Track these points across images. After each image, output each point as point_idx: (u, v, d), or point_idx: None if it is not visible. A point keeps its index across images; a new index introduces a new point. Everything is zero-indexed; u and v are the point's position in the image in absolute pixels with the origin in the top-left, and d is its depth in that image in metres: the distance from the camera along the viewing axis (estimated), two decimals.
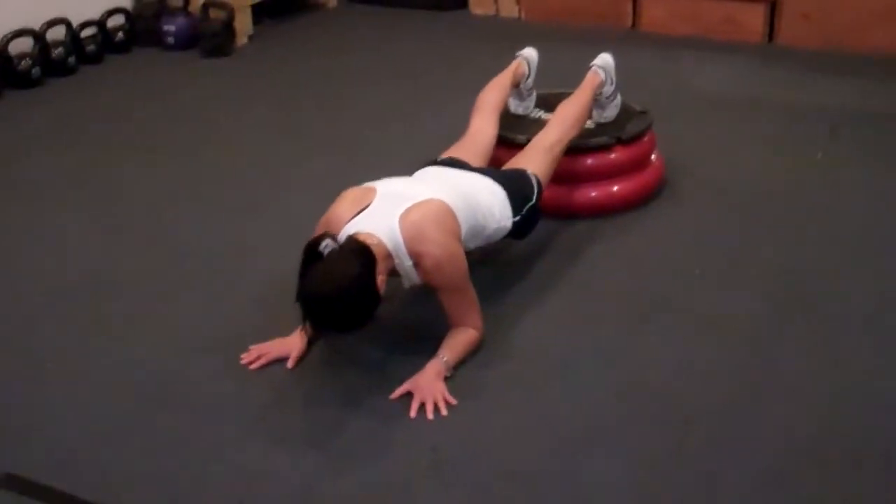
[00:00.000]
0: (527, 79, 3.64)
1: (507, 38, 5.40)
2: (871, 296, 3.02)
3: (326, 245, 2.46)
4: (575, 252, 3.33)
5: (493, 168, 3.14)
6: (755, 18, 5.18)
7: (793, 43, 5.15)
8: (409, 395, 2.59)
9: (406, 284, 2.70)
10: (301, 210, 3.51)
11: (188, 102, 4.74)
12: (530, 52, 3.67)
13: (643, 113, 3.67)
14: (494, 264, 3.20)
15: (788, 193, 3.67)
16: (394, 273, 2.64)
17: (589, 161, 3.50)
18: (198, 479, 2.35)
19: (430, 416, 2.52)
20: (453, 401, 2.57)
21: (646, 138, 3.60)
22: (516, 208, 2.98)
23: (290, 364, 2.72)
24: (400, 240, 2.59)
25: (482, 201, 2.88)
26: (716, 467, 2.35)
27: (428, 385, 2.59)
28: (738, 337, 2.85)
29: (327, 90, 4.83)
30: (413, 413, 2.53)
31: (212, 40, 5.25)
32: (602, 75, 3.55)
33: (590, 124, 3.57)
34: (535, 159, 3.18)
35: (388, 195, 2.71)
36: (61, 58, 5.05)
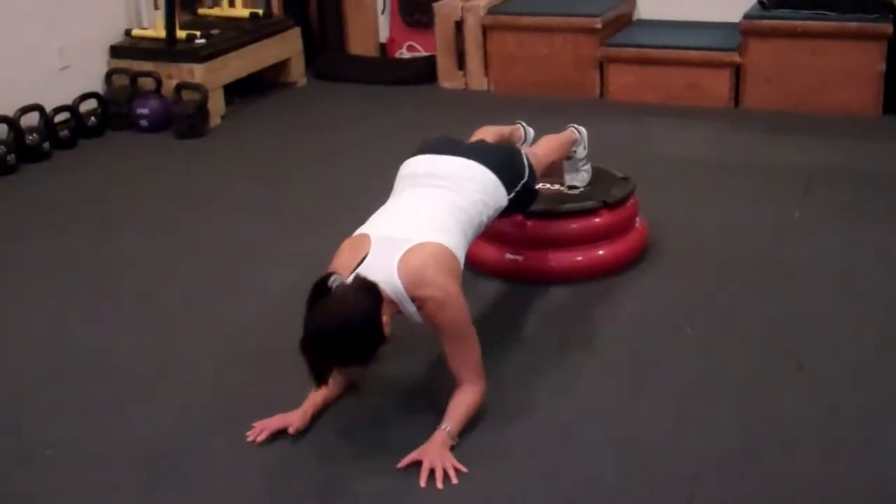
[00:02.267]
0: (521, 143, 3.68)
1: (477, 109, 5.55)
2: (859, 345, 3.09)
3: (335, 280, 2.51)
4: (567, 315, 3.37)
5: (484, 144, 3.21)
6: (720, 84, 5.31)
7: (757, 105, 5.28)
8: (416, 463, 2.59)
9: (413, 321, 2.70)
10: (283, 286, 3.57)
11: (165, 183, 4.75)
12: (528, 128, 3.74)
13: (625, 179, 3.74)
14: (490, 328, 3.22)
15: (769, 250, 3.75)
16: (399, 313, 2.65)
17: (574, 225, 3.56)
18: None
19: (439, 484, 2.53)
20: (463, 468, 2.58)
21: (630, 202, 3.66)
22: (509, 186, 3.06)
23: (290, 431, 2.72)
24: (400, 287, 2.61)
25: (474, 204, 2.93)
26: None
27: (436, 453, 2.60)
28: (735, 392, 2.89)
29: (301, 167, 4.86)
30: (423, 482, 2.54)
31: (186, 121, 5.28)
32: (577, 135, 3.66)
33: (566, 189, 3.66)
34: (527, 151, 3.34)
35: (383, 240, 2.73)
36: (36, 143, 5.05)
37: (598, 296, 3.47)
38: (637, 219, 3.72)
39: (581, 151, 3.68)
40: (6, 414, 2.94)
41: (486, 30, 5.76)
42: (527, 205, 3.28)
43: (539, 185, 3.40)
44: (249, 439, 2.73)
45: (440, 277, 2.67)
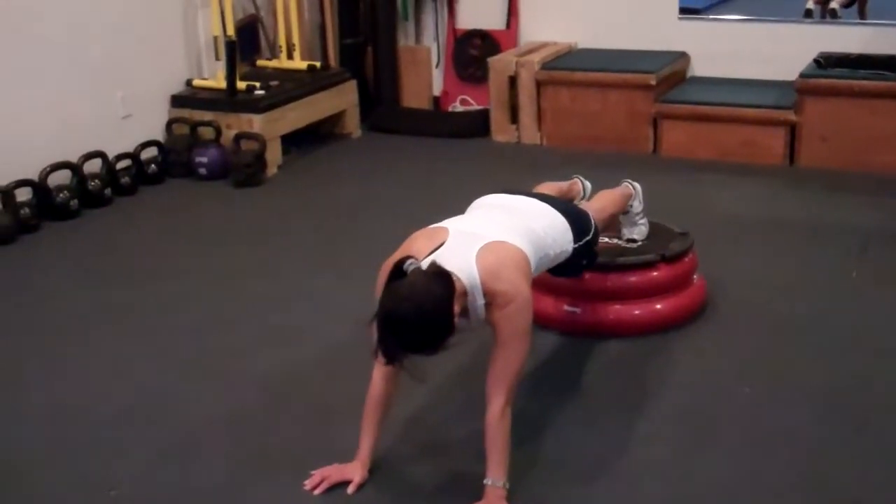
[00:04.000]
0: (580, 198, 3.71)
1: (529, 163, 5.61)
2: None
3: (410, 263, 2.49)
4: (623, 369, 3.37)
5: (560, 199, 3.24)
6: (776, 141, 5.32)
7: (812, 164, 5.28)
8: None
9: (473, 322, 2.64)
10: (342, 337, 3.60)
11: (224, 230, 4.83)
12: (585, 181, 3.77)
13: (683, 234, 3.75)
14: (546, 380, 3.23)
15: (827, 311, 3.73)
16: (463, 313, 2.60)
17: (633, 278, 3.57)
18: None
19: None
20: None
21: (688, 257, 3.67)
22: (577, 236, 3.09)
23: (350, 490, 2.73)
24: (476, 277, 2.59)
25: (545, 232, 2.95)
26: None
27: None
28: (796, 453, 2.87)
29: (357, 217, 4.92)
30: None
31: (244, 171, 5.37)
32: (632, 190, 3.68)
33: (624, 243, 3.68)
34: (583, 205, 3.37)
35: (462, 233, 2.73)
36: (98, 189, 5.15)
37: (655, 350, 3.47)
38: (695, 276, 3.72)
39: (637, 206, 3.70)
40: (72, 453, 2.98)
41: (539, 85, 5.83)
42: (587, 266, 3.29)
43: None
44: (308, 488, 2.75)
45: (516, 276, 2.66)
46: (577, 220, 3.14)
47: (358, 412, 2.82)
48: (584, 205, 3.44)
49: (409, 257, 2.53)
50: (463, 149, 5.98)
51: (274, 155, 5.56)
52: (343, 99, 6.13)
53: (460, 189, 5.15)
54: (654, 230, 3.77)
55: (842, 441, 2.92)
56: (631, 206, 3.67)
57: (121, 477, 2.85)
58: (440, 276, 2.49)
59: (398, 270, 2.48)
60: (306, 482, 2.76)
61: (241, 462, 2.91)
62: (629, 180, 3.73)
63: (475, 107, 6.33)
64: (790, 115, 5.29)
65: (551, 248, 2.97)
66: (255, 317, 3.87)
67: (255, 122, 5.47)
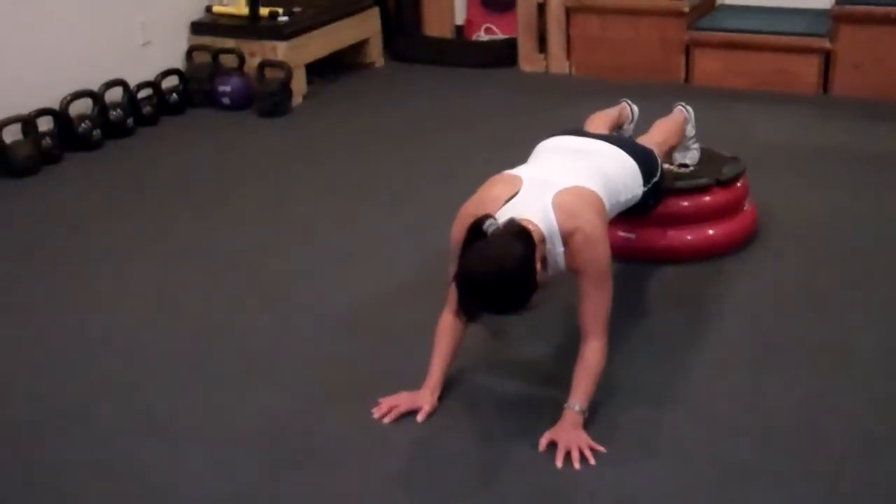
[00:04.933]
0: (629, 124, 3.64)
1: (559, 93, 5.52)
2: None
3: (491, 224, 2.46)
4: (684, 295, 3.34)
5: (625, 138, 3.18)
6: (809, 69, 5.24)
7: (847, 93, 5.20)
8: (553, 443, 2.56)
9: (555, 270, 2.63)
10: (396, 262, 3.55)
11: (253, 160, 4.74)
12: (633, 105, 3.69)
13: (734, 158, 3.69)
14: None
15: (879, 236, 3.69)
16: (542, 264, 2.56)
17: (686, 203, 3.51)
18: None
19: (576, 465, 2.50)
20: (600, 448, 2.54)
21: (740, 183, 3.61)
22: (646, 178, 3.05)
23: (420, 418, 2.70)
24: (554, 222, 2.58)
25: (617, 176, 2.93)
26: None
27: (570, 435, 2.56)
28: (863, 375, 2.84)
29: (388, 147, 4.83)
30: (559, 462, 2.51)
31: (269, 100, 5.27)
32: (686, 114, 3.61)
33: (676, 168, 3.61)
34: (651, 145, 3.27)
35: (536, 181, 2.71)
36: (120, 119, 5.05)
37: (711, 276, 3.43)
38: (746, 202, 3.66)
39: (690, 130, 3.64)
40: (130, 390, 2.93)
41: (569, 12, 5.72)
42: (653, 206, 3.23)
43: None
44: (376, 416, 2.71)
45: (592, 215, 2.65)
46: (646, 162, 3.08)
47: (426, 339, 2.79)
48: (646, 139, 3.37)
49: (487, 216, 2.49)
50: (490, 79, 5.87)
51: (299, 84, 5.45)
52: (366, 27, 6.00)
53: (489, 120, 5.13)
54: (705, 155, 3.70)
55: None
56: (685, 130, 3.61)
57: (180, 408, 2.81)
58: (521, 234, 2.47)
59: (477, 229, 2.45)
60: (374, 410, 2.73)
61: (308, 392, 2.86)
62: (682, 104, 3.66)
63: (501, 36, 6.20)
64: (825, 43, 5.20)
65: (622, 193, 2.94)
66: (299, 244, 3.81)
67: (280, 50, 5.35)
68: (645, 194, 3.08)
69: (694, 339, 3.06)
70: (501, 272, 2.40)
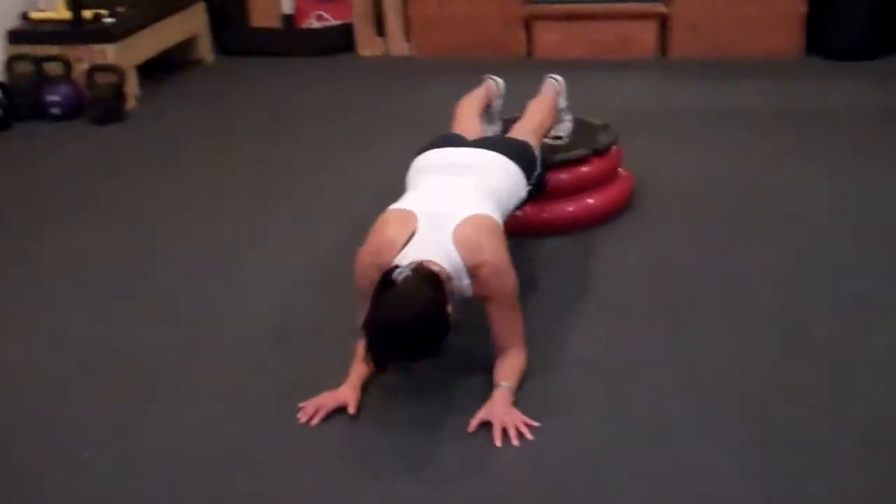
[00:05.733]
0: (497, 100, 3.62)
1: (401, 75, 5.45)
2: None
3: (400, 272, 2.42)
4: (575, 266, 3.33)
5: (501, 138, 3.10)
6: (648, 35, 5.35)
7: (684, 55, 5.34)
8: (486, 423, 2.51)
9: (461, 299, 2.60)
10: (275, 261, 3.45)
11: (96, 173, 4.45)
12: (498, 79, 3.66)
13: (605, 126, 3.71)
14: None
15: (747, 188, 3.81)
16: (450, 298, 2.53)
17: (563, 176, 3.50)
18: None
19: (514, 441, 2.46)
20: (535, 423, 2.51)
21: (615, 149, 3.63)
22: (528, 176, 3.01)
23: (351, 410, 2.59)
24: (458, 258, 2.56)
25: (504, 187, 2.90)
26: (806, 441, 2.40)
27: (504, 412, 2.53)
28: (768, 320, 2.92)
29: (237, 144, 4.64)
30: (498, 441, 2.46)
31: (103, 106, 4.98)
32: (558, 85, 3.60)
33: (551, 140, 3.58)
34: (526, 136, 3.20)
35: (430, 216, 2.66)
36: None
37: (598, 244, 3.44)
38: (620, 167, 3.70)
39: (563, 102, 3.63)
40: (37, 414, 2.71)
41: None
42: (537, 193, 3.18)
43: None
44: (302, 420, 2.58)
45: (494, 244, 2.63)
46: (525, 159, 3.04)
47: (330, 339, 2.72)
48: (522, 127, 3.29)
49: (395, 267, 2.46)
50: (328, 66, 5.75)
51: (132, 87, 5.18)
52: (193, 22, 5.77)
53: (334, 110, 5.02)
54: (575, 124, 3.70)
55: (804, 298, 3.02)
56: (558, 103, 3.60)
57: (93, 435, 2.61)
58: (430, 279, 2.45)
59: (388, 280, 2.42)
60: (300, 415, 2.60)
61: (231, 406, 2.71)
62: (553, 75, 3.63)
63: (334, 22, 6.07)
64: (661, 8, 5.32)
65: (510, 201, 2.92)
66: (179, 248, 3.61)
67: (109, 53, 5.07)
68: (529, 192, 3.04)
69: (598, 306, 3.07)
70: (415, 320, 2.38)
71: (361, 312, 2.56)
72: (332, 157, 4.40)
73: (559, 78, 3.65)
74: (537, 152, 3.14)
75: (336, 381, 2.65)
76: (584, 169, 3.53)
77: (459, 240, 2.58)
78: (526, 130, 3.25)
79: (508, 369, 2.63)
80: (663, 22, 5.34)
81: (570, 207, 3.53)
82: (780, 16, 5.19)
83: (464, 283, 2.58)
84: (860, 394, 2.57)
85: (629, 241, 3.46)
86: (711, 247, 3.38)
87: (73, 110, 5.07)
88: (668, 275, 3.23)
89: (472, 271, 2.57)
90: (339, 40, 5.93)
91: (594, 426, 2.51)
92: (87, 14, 5.15)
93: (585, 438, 2.47)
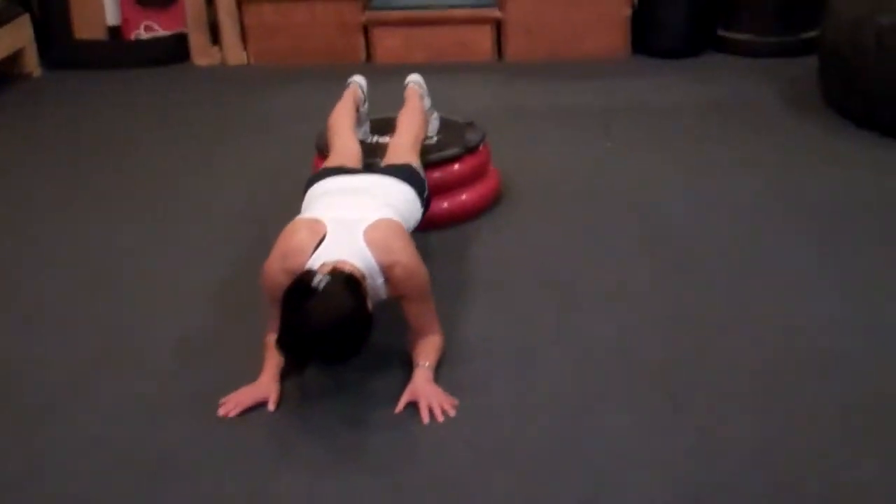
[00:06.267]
0: (364, 104, 3.71)
1: (238, 84, 5.46)
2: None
3: (321, 280, 2.45)
4: (456, 257, 3.44)
5: (391, 166, 3.16)
6: (484, 38, 5.54)
7: (519, 57, 5.56)
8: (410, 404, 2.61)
9: (370, 305, 2.68)
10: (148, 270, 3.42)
11: None
12: (360, 78, 3.75)
13: (470, 124, 3.86)
14: None
15: (599, 178, 4.05)
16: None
17: (437, 174, 3.61)
18: None
19: (440, 418, 2.57)
20: (456, 400, 2.62)
21: (483, 146, 3.78)
22: (420, 197, 3.10)
23: (271, 406, 2.63)
24: (371, 259, 2.62)
25: (403, 207, 2.96)
26: (706, 396, 2.62)
27: (428, 390, 2.63)
28: (648, 294, 3.16)
29: (80, 161, 4.53)
30: (426, 419, 2.56)
31: None
32: (420, 88, 3.72)
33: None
34: (408, 156, 3.27)
35: (339, 221, 2.72)
36: None
37: (479, 237, 3.58)
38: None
39: (427, 102, 3.75)
40: None
41: (240, 1, 5.63)
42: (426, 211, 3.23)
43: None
44: (221, 413, 2.61)
45: (404, 244, 2.72)
46: (416, 182, 3.10)
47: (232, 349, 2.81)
48: (399, 147, 3.33)
49: (312, 272, 2.50)
50: (163, 77, 5.66)
51: None
52: (19, 35, 5.57)
53: (171, 119, 4.97)
54: (441, 122, 3.84)
55: (665, 274, 3.28)
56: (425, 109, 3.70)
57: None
58: (350, 281, 2.51)
59: (306, 288, 2.45)
60: (220, 410, 2.62)
61: (147, 412, 2.68)
62: (413, 79, 3.75)
63: (163, 32, 5.97)
64: (495, 13, 5.52)
65: (410, 221, 2.97)
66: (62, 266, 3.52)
67: None
68: (424, 211, 3.11)
69: (486, 291, 3.20)
70: (344, 324, 2.45)
71: (272, 316, 2.62)
72: (179, 165, 4.39)
73: (419, 79, 3.76)
74: (422, 173, 3.21)
75: (247, 381, 2.69)
76: (456, 166, 3.66)
77: (370, 240, 2.64)
78: (404, 149, 3.31)
79: (428, 350, 2.73)
80: (498, 26, 5.54)
81: (445, 203, 3.63)
82: (607, 18, 5.48)
83: (378, 282, 2.64)
84: (746, 347, 2.83)
85: (505, 231, 3.62)
86: (579, 230, 3.60)
87: None
88: (546, 258, 3.41)
89: (386, 272, 2.64)
90: (172, 50, 5.84)
91: (509, 402, 2.64)
92: None
93: (504, 413, 2.60)
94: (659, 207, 3.74)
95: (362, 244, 2.63)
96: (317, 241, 2.65)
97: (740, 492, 2.28)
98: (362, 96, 3.70)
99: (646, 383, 2.69)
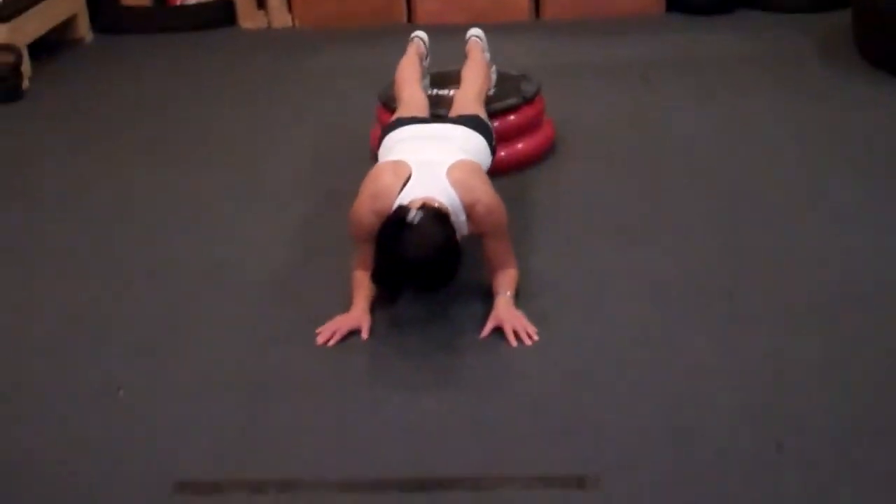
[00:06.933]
0: (426, 58, 3.89)
1: (284, 48, 5.62)
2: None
3: (416, 215, 2.66)
4: (521, 201, 3.60)
5: (461, 117, 3.32)
6: None
7: (556, 16, 5.74)
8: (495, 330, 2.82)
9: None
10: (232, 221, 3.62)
11: (10, 150, 4.48)
12: (422, 34, 3.93)
13: (524, 76, 4.04)
14: None
15: (648, 129, 4.24)
16: None
17: (496, 123, 3.78)
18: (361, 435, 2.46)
19: (527, 342, 2.77)
20: (533, 328, 2.81)
21: (539, 97, 3.97)
22: (491, 147, 3.28)
23: (364, 335, 2.83)
24: (455, 197, 2.83)
25: (476, 154, 3.14)
26: (770, 318, 2.83)
27: (512, 316, 2.83)
28: (707, 232, 3.35)
29: (145, 120, 4.73)
30: (513, 342, 2.76)
31: (1, 86, 4.96)
32: (481, 42, 3.90)
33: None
34: (474, 107, 3.44)
35: (423, 163, 2.91)
36: None
37: (531, 183, 3.76)
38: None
39: (487, 55, 3.93)
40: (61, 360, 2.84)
41: None
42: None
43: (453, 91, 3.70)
44: (320, 342, 2.81)
45: (485, 185, 2.93)
46: (486, 131, 3.28)
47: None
48: (465, 100, 3.47)
49: (405, 208, 2.70)
50: (211, 41, 5.84)
51: (25, 66, 5.16)
52: (73, 1, 5.75)
53: (228, 79, 5.16)
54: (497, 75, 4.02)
55: (722, 212, 3.47)
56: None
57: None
58: (440, 216, 2.73)
59: (401, 222, 2.66)
60: (318, 339, 2.82)
61: (250, 341, 2.89)
62: (474, 32, 3.94)
63: None
64: None
65: (482, 166, 3.13)
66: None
67: (1, 33, 5.03)
68: (490, 159, 3.28)
69: (547, 233, 3.39)
70: (439, 255, 2.67)
71: (358, 255, 2.87)
72: (240, 121, 4.59)
73: (480, 33, 3.94)
74: (489, 123, 3.39)
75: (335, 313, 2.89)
76: (513, 117, 3.84)
77: (454, 180, 2.85)
78: (471, 101, 3.47)
79: (507, 281, 2.92)
80: None
81: (503, 153, 3.81)
82: None
83: (461, 219, 2.84)
84: (806, 276, 3.04)
85: (561, 177, 3.82)
86: (632, 174, 3.80)
87: None
88: (603, 201, 3.61)
89: (468, 209, 2.84)
90: (218, 15, 6.02)
91: (587, 329, 2.85)
92: None
93: (584, 339, 2.80)
94: (706, 152, 3.95)
95: (446, 183, 2.84)
96: (402, 181, 2.86)
97: (809, 406, 2.48)
98: (425, 51, 3.89)
99: (714, 308, 2.90)
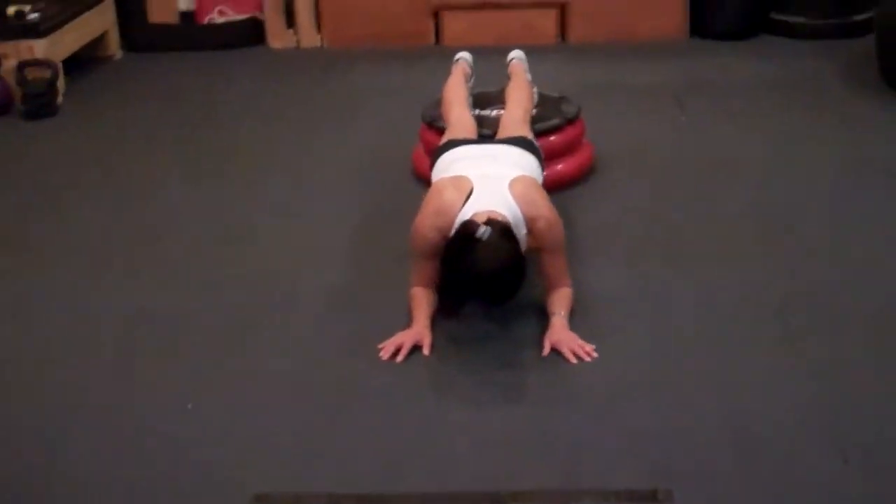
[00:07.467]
0: (470, 79, 3.97)
1: (313, 67, 5.69)
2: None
3: (485, 231, 2.72)
4: (566, 221, 3.62)
5: (511, 138, 3.39)
6: (548, 22, 5.81)
7: (581, 39, 5.83)
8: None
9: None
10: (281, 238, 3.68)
11: (52, 167, 4.53)
12: (467, 55, 4.01)
13: (564, 98, 4.12)
14: None
15: (682, 149, 4.34)
16: None
17: (539, 143, 3.86)
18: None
19: (586, 358, 2.83)
20: (590, 346, 2.88)
21: (580, 119, 4.04)
22: (542, 167, 3.35)
23: (426, 351, 2.89)
24: (518, 210, 2.90)
25: (533, 174, 3.20)
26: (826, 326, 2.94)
27: (567, 337, 2.90)
28: (756, 246, 3.47)
29: (181, 135, 4.80)
30: (572, 359, 2.82)
31: (37, 101, 5.01)
32: (523, 64, 3.98)
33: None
34: (522, 129, 3.51)
35: (483, 178, 2.98)
36: None
37: (574, 202, 3.81)
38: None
39: (529, 76, 4.00)
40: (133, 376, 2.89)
41: None
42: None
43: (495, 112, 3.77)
44: (386, 357, 2.86)
45: (545, 200, 3.00)
46: (536, 152, 3.35)
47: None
48: (512, 122, 3.54)
49: (475, 224, 2.76)
50: (240, 60, 5.91)
51: (60, 82, 5.22)
52: (105, 18, 5.83)
53: (260, 98, 5.23)
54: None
55: (768, 230, 3.58)
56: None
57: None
58: (507, 231, 2.80)
59: (471, 238, 2.73)
60: (382, 354, 2.87)
61: (315, 355, 2.95)
62: (516, 54, 4.02)
63: (236, 16, 6.21)
64: None
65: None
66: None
67: (38, 48, 5.10)
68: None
69: (599, 252, 3.46)
70: (506, 269, 2.76)
71: (418, 271, 2.94)
72: (279, 139, 4.67)
73: (522, 55, 4.02)
74: (537, 144, 3.45)
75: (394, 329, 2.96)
76: (554, 137, 3.91)
77: (517, 194, 2.92)
78: (518, 122, 3.54)
79: (562, 300, 2.99)
80: (562, 10, 5.81)
81: (545, 173, 3.88)
82: (665, 1, 5.74)
83: (521, 233, 2.91)
84: (856, 296, 3.12)
85: (604, 197, 3.89)
86: (674, 196, 3.88)
87: (3, 107, 5.07)
88: (647, 221, 3.68)
89: (530, 224, 2.91)
90: (247, 34, 6.10)
91: (641, 344, 2.92)
92: (10, 10, 5.15)
93: (638, 354, 2.88)
94: (746, 174, 4.04)
95: (509, 196, 2.90)
96: (464, 196, 2.92)
97: (871, 418, 2.55)
98: (469, 72, 3.96)
99: (767, 324, 2.98)
